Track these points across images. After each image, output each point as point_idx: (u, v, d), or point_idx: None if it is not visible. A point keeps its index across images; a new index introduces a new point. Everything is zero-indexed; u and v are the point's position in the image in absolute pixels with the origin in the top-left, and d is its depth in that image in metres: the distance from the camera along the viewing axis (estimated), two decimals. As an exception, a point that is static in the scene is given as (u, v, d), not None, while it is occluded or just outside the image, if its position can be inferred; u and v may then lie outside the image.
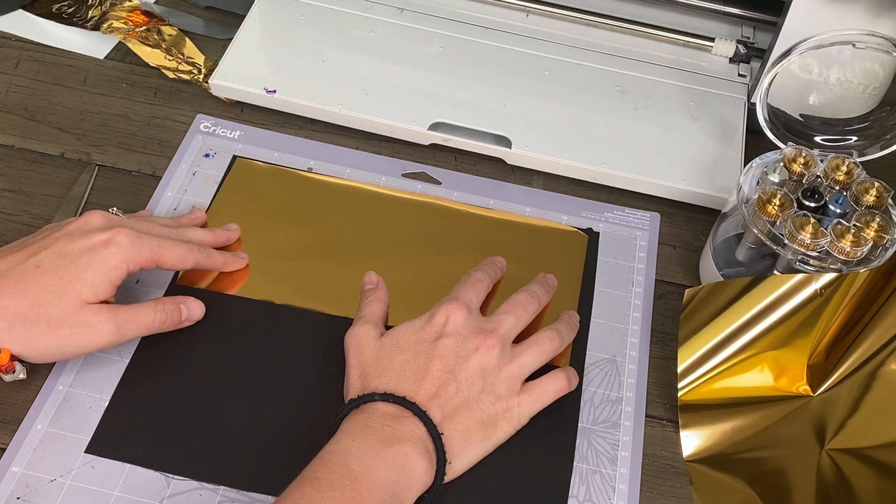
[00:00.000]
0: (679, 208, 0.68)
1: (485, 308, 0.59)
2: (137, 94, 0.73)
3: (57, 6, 0.78)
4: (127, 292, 0.60)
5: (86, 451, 0.53)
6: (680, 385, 0.57)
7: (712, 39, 0.75)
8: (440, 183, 0.68)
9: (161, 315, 0.55)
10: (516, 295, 0.57)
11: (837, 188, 0.57)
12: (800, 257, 0.55)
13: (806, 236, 0.54)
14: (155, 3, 0.79)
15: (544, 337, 0.56)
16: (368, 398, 0.51)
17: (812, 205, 0.56)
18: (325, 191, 0.67)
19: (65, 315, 0.52)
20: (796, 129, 0.64)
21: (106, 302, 0.54)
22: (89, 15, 0.77)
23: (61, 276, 0.52)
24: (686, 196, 0.67)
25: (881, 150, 0.62)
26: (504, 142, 0.68)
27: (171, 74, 0.73)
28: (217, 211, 0.65)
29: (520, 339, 0.56)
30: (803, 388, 0.58)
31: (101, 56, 0.75)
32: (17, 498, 0.51)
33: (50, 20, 0.77)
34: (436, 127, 0.69)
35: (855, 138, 0.64)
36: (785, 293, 0.55)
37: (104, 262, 0.53)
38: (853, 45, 0.60)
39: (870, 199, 0.56)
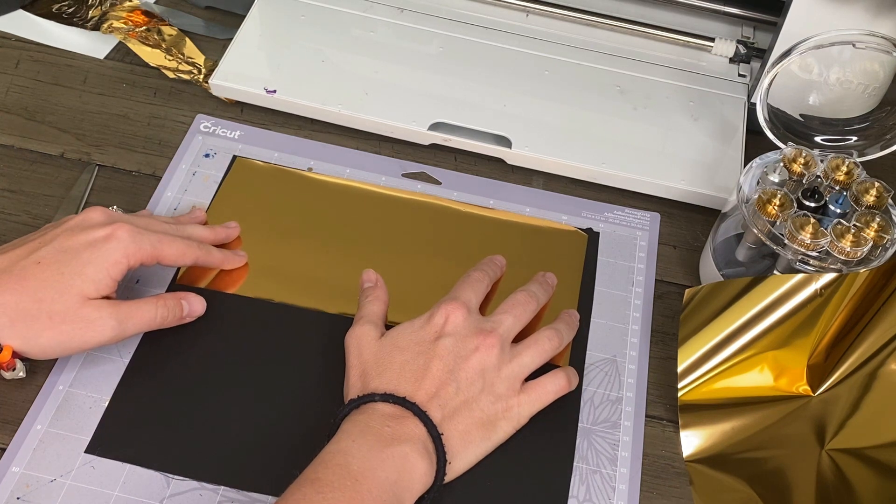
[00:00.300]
0: (679, 208, 0.68)
1: (484, 307, 0.59)
2: (137, 94, 0.73)
3: (57, 6, 0.78)
4: (127, 292, 0.60)
5: (86, 451, 0.53)
6: (680, 385, 0.57)
7: (712, 39, 0.75)
8: (440, 183, 0.68)
9: (163, 310, 0.55)
10: (515, 295, 0.57)
11: (837, 188, 0.57)
12: (800, 257, 0.55)
13: (806, 236, 0.54)
14: (155, 3, 0.79)
15: (544, 336, 0.56)
16: (368, 398, 0.51)
17: (812, 205, 0.56)
18: (325, 190, 0.67)
19: (66, 310, 0.52)
20: (796, 129, 0.64)
21: (107, 297, 0.54)
22: (89, 15, 0.77)
23: (62, 272, 0.52)
24: (686, 196, 0.67)
25: (881, 150, 0.62)
26: (504, 142, 0.68)
27: (171, 74, 0.73)
28: (217, 210, 0.65)
29: (519, 338, 0.56)
30: (803, 388, 0.58)
31: (101, 56, 0.75)
32: (18, 498, 0.51)
33: (50, 20, 0.77)
34: (436, 127, 0.69)
35: (855, 138, 0.64)
36: (785, 293, 0.55)
37: (105, 258, 0.53)
38: (853, 45, 0.60)
39: (870, 199, 0.56)
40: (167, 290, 0.60)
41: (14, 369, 0.53)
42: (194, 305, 0.58)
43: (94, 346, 0.53)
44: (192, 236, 0.59)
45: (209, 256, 0.59)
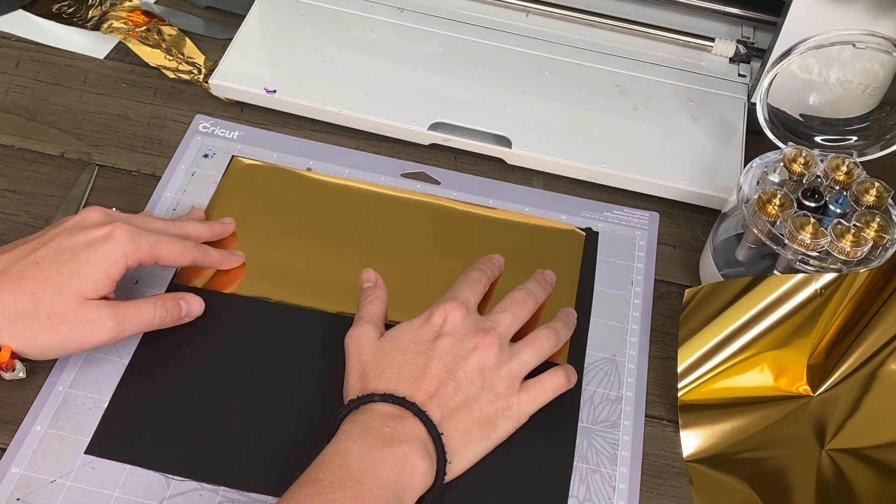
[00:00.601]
0: (679, 208, 0.68)
1: (483, 306, 0.59)
2: (137, 94, 0.73)
3: (57, 6, 0.78)
4: (126, 293, 0.60)
5: (86, 452, 0.53)
6: (680, 385, 0.57)
7: (712, 39, 0.75)
8: (439, 183, 0.68)
9: (161, 311, 0.55)
10: (513, 293, 0.57)
11: (837, 188, 0.57)
12: (800, 257, 0.55)
13: (806, 236, 0.54)
14: (155, 3, 0.79)
15: (542, 335, 0.56)
16: (368, 399, 0.51)
17: (812, 205, 0.56)
18: (324, 190, 0.67)
19: (65, 311, 0.52)
20: (796, 129, 0.64)
21: (106, 298, 0.54)
22: (89, 15, 0.77)
23: (61, 272, 0.52)
24: (686, 196, 0.67)
25: (881, 150, 0.62)
26: (504, 142, 0.68)
27: (171, 74, 0.73)
28: (215, 210, 0.64)
29: (517, 336, 0.56)
30: (803, 388, 0.58)
31: (101, 56, 0.75)
32: (17, 499, 0.51)
33: (50, 20, 0.77)
34: (436, 127, 0.69)
35: (855, 138, 0.64)
36: (785, 293, 0.55)
37: (103, 258, 0.53)
38: (853, 45, 0.60)
39: (870, 199, 0.56)
40: (166, 290, 0.60)
41: (14, 370, 0.53)
42: (192, 306, 0.58)
43: (92, 347, 0.53)
44: (189, 234, 0.59)
45: (207, 257, 0.59)
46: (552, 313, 0.59)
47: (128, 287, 0.60)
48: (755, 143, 0.66)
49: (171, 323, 0.56)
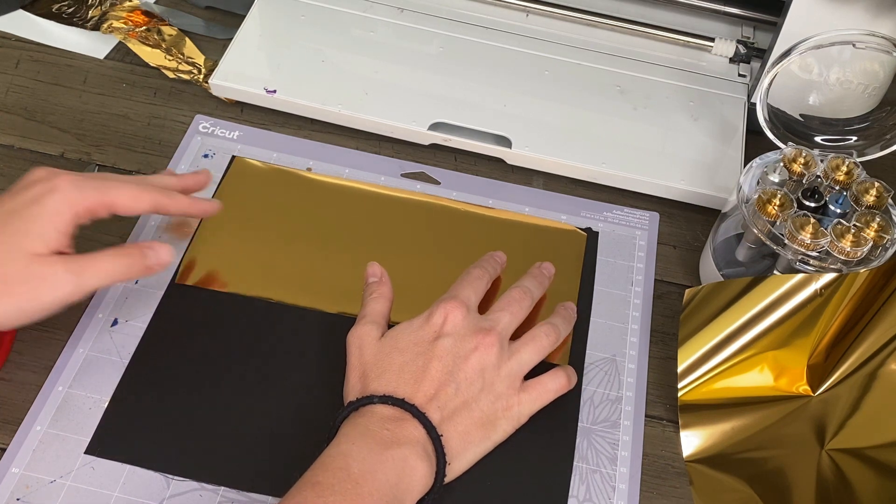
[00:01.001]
0: (679, 208, 0.68)
1: (486, 304, 0.59)
2: (137, 94, 0.73)
3: (57, 6, 0.78)
4: (126, 292, 0.59)
5: (86, 452, 0.53)
6: (680, 385, 0.57)
7: (712, 39, 0.75)
8: (439, 183, 0.68)
9: (124, 259, 0.52)
10: (510, 291, 0.57)
11: (837, 188, 0.57)
12: (800, 257, 0.55)
13: (806, 236, 0.54)
14: (155, 3, 0.79)
15: (541, 332, 0.55)
16: (367, 400, 0.51)
17: (812, 205, 0.56)
18: (324, 190, 0.67)
19: (17, 272, 0.49)
20: (796, 129, 0.64)
21: (62, 254, 0.51)
22: (89, 15, 0.77)
23: (8, 233, 0.50)
24: (686, 196, 0.67)
25: (881, 150, 0.62)
26: (504, 142, 0.68)
27: (171, 74, 0.73)
28: (217, 211, 0.65)
29: (515, 334, 0.55)
30: (803, 388, 0.58)
31: (101, 56, 0.75)
32: (17, 499, 0.51)
33: (50, 20, 0.77)
34: (436, 127, 0.69)
35: (855, 138, 0.64)
36: (785, 293, 0.55)
37: (48, 210, 0.50)
38: (853, 45, 0.60)
39: (870, 199, 0.56)
40: (167, 291, 0.60)
41: None
42: (161, 254, 0.54)
43: (56, 306, 0.50)
44: (155, 183, 0.55)
45: (172, 201, 0.55)
46: (552, 312, 0.59)
47: (127, 286, 0.60)
48: (755, 143, 0.66)
49: (138, 274, 0.53)
